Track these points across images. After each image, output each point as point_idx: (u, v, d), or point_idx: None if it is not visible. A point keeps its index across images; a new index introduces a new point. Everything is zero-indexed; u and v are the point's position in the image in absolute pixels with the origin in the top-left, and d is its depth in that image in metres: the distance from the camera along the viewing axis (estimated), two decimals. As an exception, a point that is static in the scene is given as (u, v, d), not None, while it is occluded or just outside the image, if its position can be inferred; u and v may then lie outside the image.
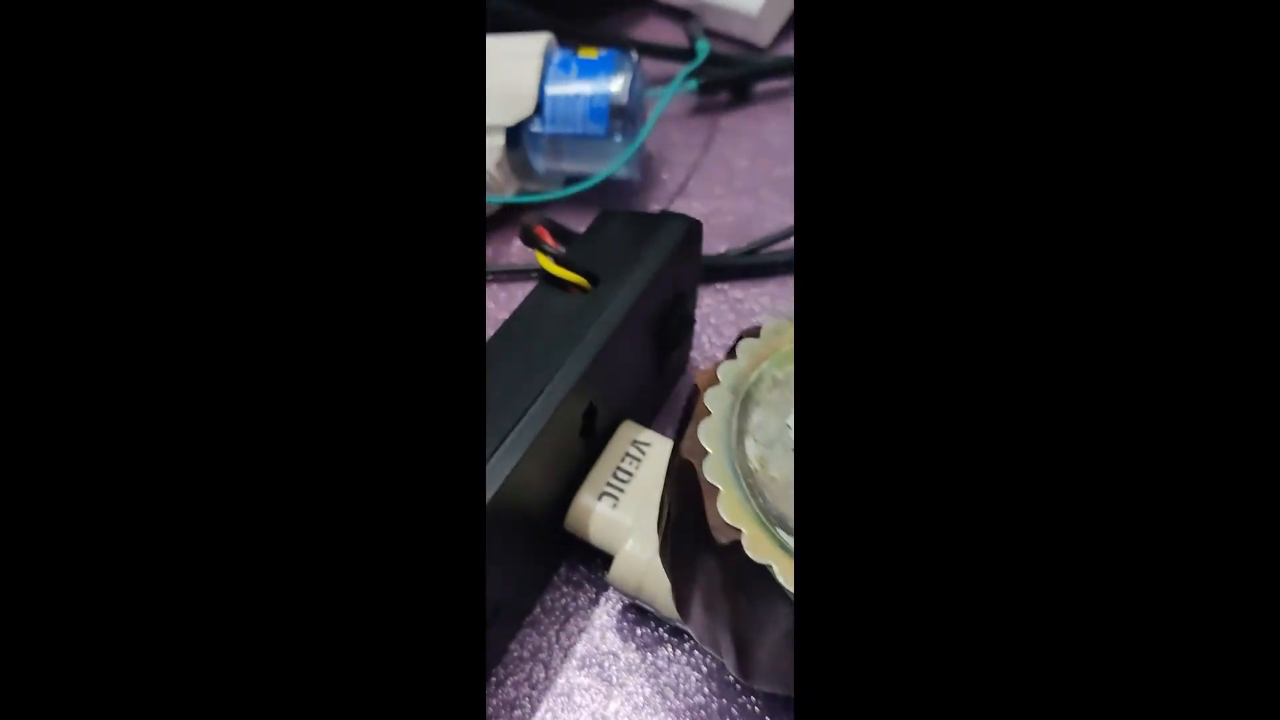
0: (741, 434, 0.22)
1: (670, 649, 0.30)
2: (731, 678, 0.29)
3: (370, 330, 0.16)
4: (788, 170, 0.47)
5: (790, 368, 0.24)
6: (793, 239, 0.42)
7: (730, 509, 0.20)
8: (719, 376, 0.23)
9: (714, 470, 0.21)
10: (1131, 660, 0.15)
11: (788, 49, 0.54)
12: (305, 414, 0.16)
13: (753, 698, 0.28)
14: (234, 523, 0.16)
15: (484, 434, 0.23)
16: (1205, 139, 0.15)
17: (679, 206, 0.45)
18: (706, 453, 0.21)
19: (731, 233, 0.44)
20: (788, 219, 0.44)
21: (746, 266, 0.41)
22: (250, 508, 0.16)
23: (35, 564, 0.15)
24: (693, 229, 0.31)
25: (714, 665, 0.29)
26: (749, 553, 0.20)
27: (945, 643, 0.15)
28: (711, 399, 0.22)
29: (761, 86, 0.52)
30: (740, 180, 0.47)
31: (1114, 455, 0.15)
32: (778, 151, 0.48)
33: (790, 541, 0.20)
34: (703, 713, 0.28)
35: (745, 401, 0.23)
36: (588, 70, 0.40)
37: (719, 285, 0.41)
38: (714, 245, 0.43)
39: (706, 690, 0.29)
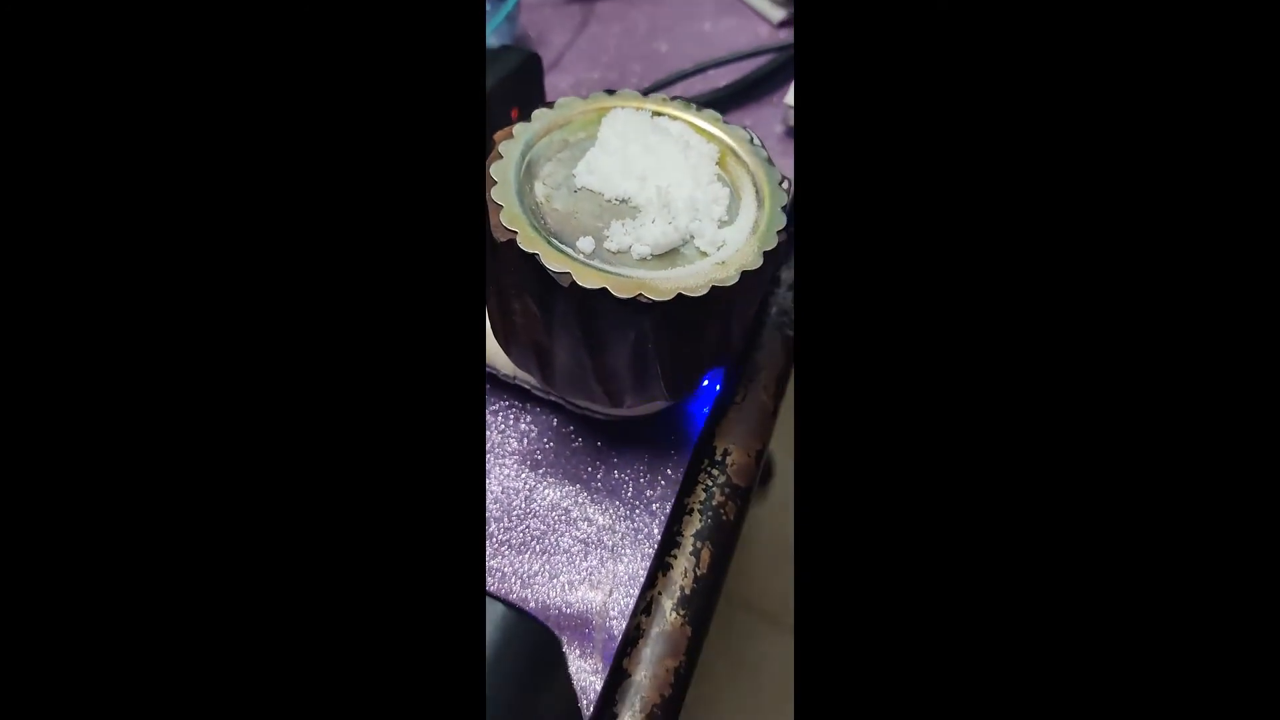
0: (531, 178, 0.27)
1: (516, 411, 0.35)
2: (567, 429, 0.34)
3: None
4: (652, 47, 0.52)
5: (581, 134, 0.29)
6: (648, 98, 0.47)
7: (510, 219, 0.25)
8: (514, 133, 0.28)
9: (499, 194, 0.26)
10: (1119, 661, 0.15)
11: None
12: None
13: (579, 439, 0.34)
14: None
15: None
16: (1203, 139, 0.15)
17: (551, 78, 0.50)
18: (495, 182, 0.26)
19: (599, 100, 0.49)
20: (645, 85, 0.49)
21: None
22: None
23: (37, 563, 0.15)
24: (529, 60, 0.36)
25: (550, 420, 0.35)
26: (521, 245, 0.25)
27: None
28: (505, 148, 0.27)
29: (636, -22, 0.57)
30: (609, 57, 0.52)
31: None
32: (645, 32, 0.53)
33: (564, 247, 0.25)
34: (539, 455, 0.34)
35: (537, 154, 0.28)
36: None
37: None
38: (581, 108, 0.48)
39: (545, 438, 0.34)
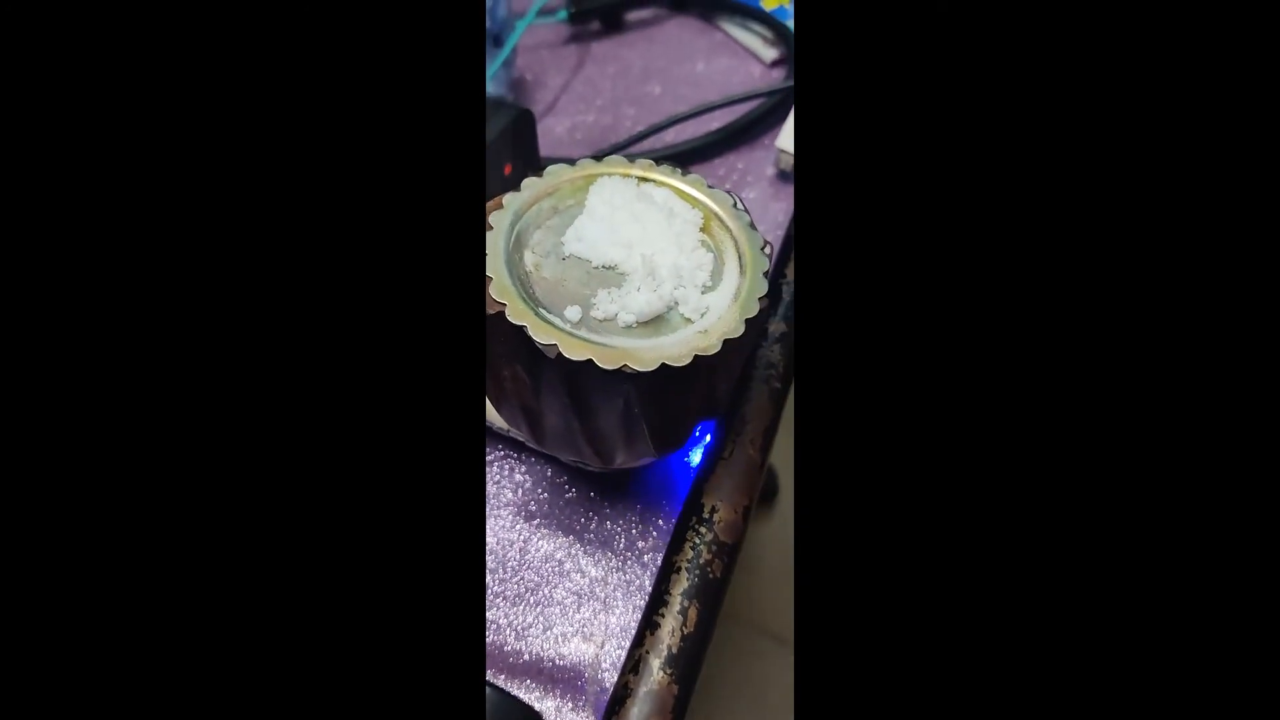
0: (520, 246, 0.28)
1: (512, 462, 0.36)
2: (560, 479, 0.35)
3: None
4: (645, 89, 0.53)
5: (570, 201, 0.30)
6: (641, 142, 0.48)
7: (499, 290, 0.26)
8: (504, 203, 0.29)
9: (489, 265, 0.27)
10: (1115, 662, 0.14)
11: (655, -15, 0.60)
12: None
13: (572, 490, 0.35)
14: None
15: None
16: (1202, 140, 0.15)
17: (546, 122, 0.51)
18: (485, 254, 0.27)
19: (594, 142, 0.50)
20: (639, 128, 0.50)
21: (602, 168, 0.47)
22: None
23: (38, 564, 0.15)
24: (522, 116, 0.37)
25: (544, 471, 0.35)
26: (509, 318, 0.26)
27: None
28: (495, 219, 0.28)
29: (633, 15, 0.58)
30: (604, 99, 0.53)
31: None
32: (639, 73, 0.54)
33: (551, 317, 0.26)
34: (533, 506, 0.34)
35: (527, 222, 0.29)
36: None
37: (578, 185, 0.47)
38: (576, 153, 0.49)
39: (540, 489, 0.35)
